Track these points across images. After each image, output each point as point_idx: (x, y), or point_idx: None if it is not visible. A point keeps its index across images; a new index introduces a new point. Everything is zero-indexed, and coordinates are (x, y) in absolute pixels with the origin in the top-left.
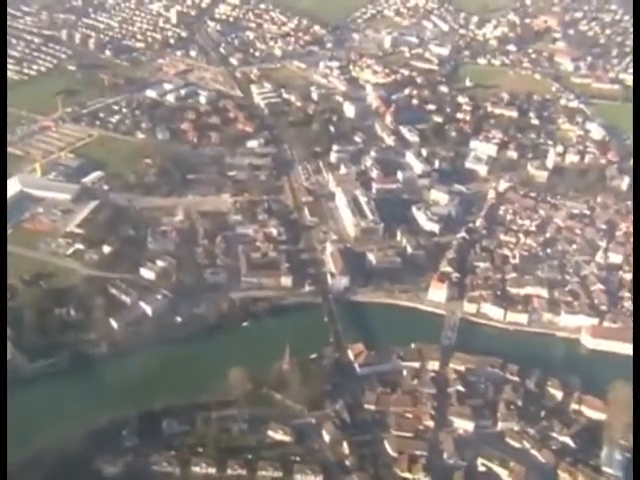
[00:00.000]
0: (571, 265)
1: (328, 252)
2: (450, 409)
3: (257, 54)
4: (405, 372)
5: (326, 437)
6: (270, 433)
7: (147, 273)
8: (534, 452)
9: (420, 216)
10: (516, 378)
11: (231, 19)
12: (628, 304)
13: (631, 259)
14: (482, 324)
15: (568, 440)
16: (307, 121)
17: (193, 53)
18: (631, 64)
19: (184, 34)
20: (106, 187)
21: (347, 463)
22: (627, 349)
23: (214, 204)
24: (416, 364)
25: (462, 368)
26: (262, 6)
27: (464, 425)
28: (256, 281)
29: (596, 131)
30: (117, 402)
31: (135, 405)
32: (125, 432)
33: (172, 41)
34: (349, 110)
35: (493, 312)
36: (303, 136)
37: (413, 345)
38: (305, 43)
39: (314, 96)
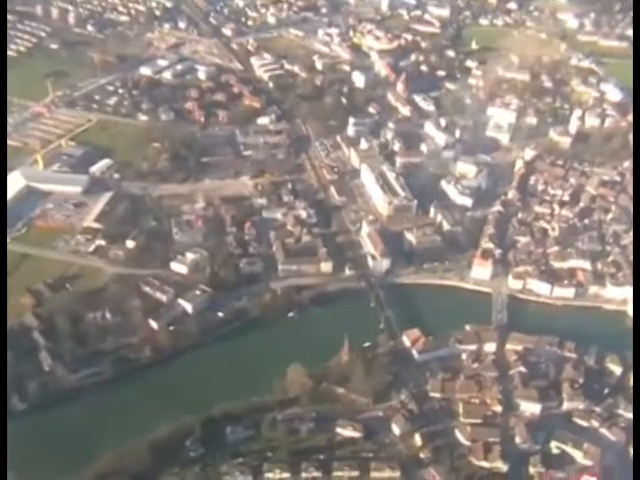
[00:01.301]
0: (610, 235)
1: (364, 233)
2: (516, 392)
3: (250, 23)
4: (464, 356)
5: (396, 430)
6: (339, 430)
7: (179, 267)
8: (603, 430)
9: (451, 190)
10: (574, 355)
11: None
12: None
13: None
14: (529, 300)
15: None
16: (317, 94)
17: (182, 25)
18: None
19: (169, 4)
20: (117, 176)
21: (422, 456)
22: None
23: (235, 188)
24: (473, 347)
25: (520, 348)
26: None
27: (531, 408)
28: (295, 268)
29: (612, 92)
30: (172, 410)
31: (193, 411)
32: (188, 442)
33: (157, 12)
34: (358, 80)
35: (539, 287)
36: (315, 110)
37: (468, 327)
38: (299, 9)
39: (318, 66)
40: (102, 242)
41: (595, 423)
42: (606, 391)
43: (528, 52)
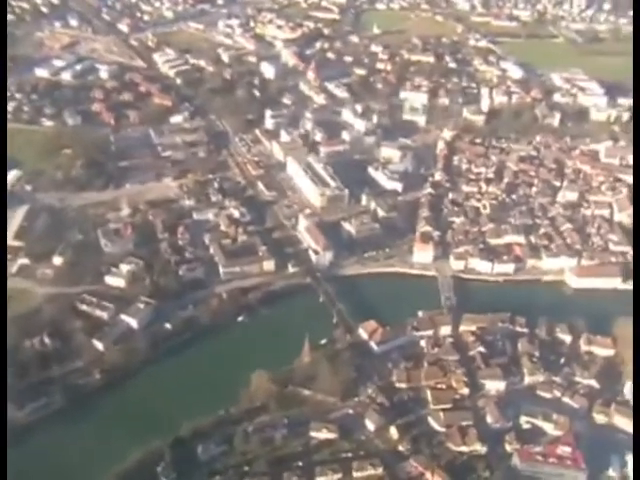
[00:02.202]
0: (537, 208)
1: (302, 227)
2: (479, 372)
3: (146, 18)
4: (423, 343)
5: (370, 426)
6: (313, 434)
7: (114, 280)
8: (566, 399)
9: (379, 176)
10: (526, 329)
11: None
12: (597, 239)
13: (587, 196)
14: (472, 280)
15: (592, 382)
16: (227, 87)
17: (74, 22)
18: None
19: (56, 1)
20: (29, 187)
21: (401, 448)
22: (610, 283)
23: (159, 191)
24: (430, 332)
25: (474, 328)
26: None
27: (495, 386)
28: (238, 270)
29: (513, 70)
30: (136, 435)
31: (158, 434)
32: (160, 468)
33: (44, 9)
34: (268, 71)
35: (480, 266)
36: (229, 104)
37: (421, 313)
38: (195, 1)
39: (225, 59)
40: (25, 261)
41: (557, 393)
42: (562, 361)
43: (427, 34)
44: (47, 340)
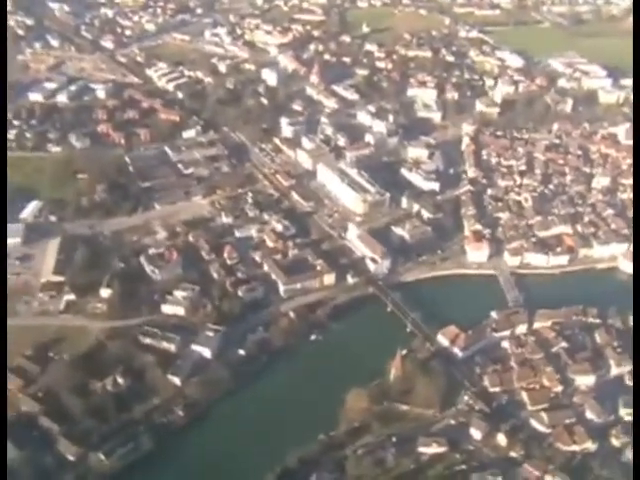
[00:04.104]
0: (576, 197)
1: (353, 236)
2: (568, 368)
3: (128, 33)
4: (505, 344)
5: (476, 434)
6: (422, 449)
7: (172, 309)
8: None
9: (414, 177)
10: (598, 320)
11: None
12: None
13: (620, 179)
14: (530, 274)
15: None
16: (233, 97)
17: (54, 42)
18: None
19: (29, 21)
20: (53, 218)
21: (513, 454)
22: None
23: (191, 210)
24: (507, 332)
25: (549, 324)
26: None
27: (585, 380)
28: (299, 286)
29: (511, 59)
30: (237, 470)
31: (261, 467)
32: None
33: (21, 32)
34: (270, 77)
35: (536, 260)
36: (239, 114)
37: (494, 313)
38: (173, 12)
39: (222, 69)
40: (71, 296)
41: None
42: None
43: (416, 29)
44: (120, 380)
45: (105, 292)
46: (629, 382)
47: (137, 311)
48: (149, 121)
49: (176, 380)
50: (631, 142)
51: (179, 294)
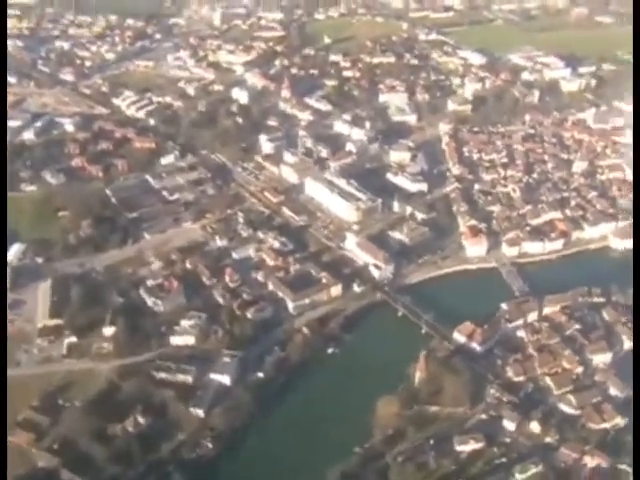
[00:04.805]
0: (560, 182)
1: (352, 244)
2: (586, 349)
3: (88, 63)
4: (520, 332)
5: (510, 426)
6: (459, 448)
7: (182, 339)
8: None
9: (401, 180)
10: (602, 299)
11: (26, 32)
12: (623, 201)
13: (596, 162)
14: (529, 262)
15: None
16: (207, 119)
17: (11, 79)
18: None
19: None
20: (40, 259)
21: (548, 440)
22: None
23: (183, 236)
24: (520, 321)
25: (558, 308)
26: (50, 10)
27: (603, 358)
28: (307, 301)
29: (473, 57)
30: None
31: None
32: None
33: None
34: (241, 96)
35: (533, 247)
36: (216, 136)
37: (504, 305)
38: (131, 39)
39: (190, 92)
40: (72, 339)
41: None
42: None
43: (376, 36)
44: (141, 419)
45: (108, 330)
46: None
47: (145, 346)
48: (124, 151)
49: (199, 412)
50: (601, 125)
51: (186, 323)
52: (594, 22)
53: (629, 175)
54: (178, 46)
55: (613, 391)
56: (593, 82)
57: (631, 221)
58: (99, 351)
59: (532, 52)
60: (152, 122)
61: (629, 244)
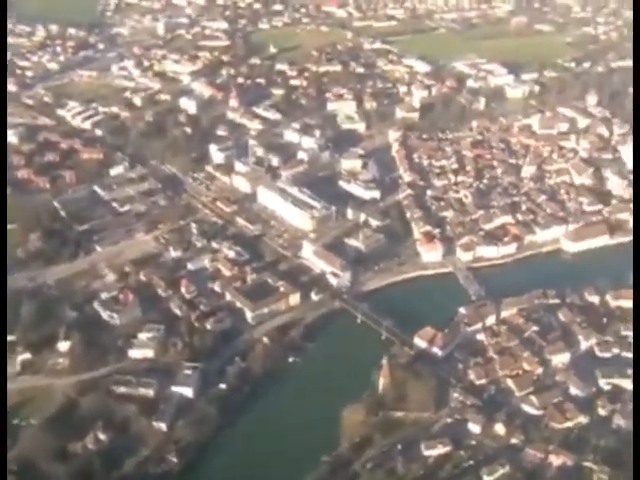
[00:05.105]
0: (510, 187)
1: (309, 253)
2: (545, 350)
3: (30, 74)
4: (480, 336)
5: (475, 429)
6: (427, 453)
7: (140, 352)
8: (625, 354)
9: (354, 188)
10: (558, 300)
11: None
12: (571, 204)
13: (544, 167)
14: (484, 266)
15: None
16: (155, 130)
17: None
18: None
19: None
20: None
21: (514, 441)
22: (600, 242)
23: (136, 248)
24: (479, 325)
25: (515, 311)
26: None
27: (561, 359)
28: (266, 311)
29: (419, 66)
30: None
31: None
32: None
33: None
34: (189, 106)
35: (487, 252)
36: (165, 147)
37: (462, 309)
38: (74, 49)
39: (137, 102)
40: (26, 355)
41: (615, 350)
42: (604, 320)
43: (322, 45)
44: (102, 436)
45: (63, 345)
46: (600, 353)
47: (103, 360)
48: (71, 162)
49: (162, 426)
50: (546, 131)
51: (144, 336)
52: (533, 30)
53: (576, 179)
54: (122, 56)
55: (574, 390)
56: (536, 88)
57: (582, 224)
58: (54, 367)
59: (475, 60)
60: (99, 133)
61: (580, 247)
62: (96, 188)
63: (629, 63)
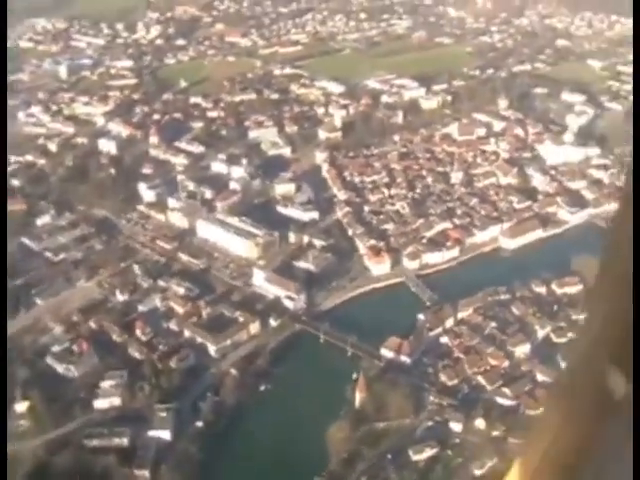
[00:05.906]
0: (443, 194)
1: (260, 280)
2: (507, 343)
3: None
4: (444, 339)
5: (457, 427)
6: (415, 457)
7: (106, 402)
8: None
9: (291, 211)
10: (509, 296)
11: None
12: (502, 204)
13: (470, 171)
14: (432, 272)
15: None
16: (77, 175)
17: None
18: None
19: None
20: None
21: (495, 434)
22: (535, 236)
23: (80, 296)
24: (440, 329)
25: (471, 310)
26: None
27: (523, 349)
28: (229, 343)
29: (331, 86)
30: None
31: None
32: None
33: None
34: (109, 147)
35: (433, 258)
36: (91, 190)
37: (421, 315)
38: None
39: (52, 148)
40: None
41: (571, 335)
42: (555, 308)
43: (232, 75)
44: None
45: (22, 406)
46: (557, 339)
47: (68, 415)
48: None
49: (145, 473)
50: (466, 137)
51: (107, 384)
52: (434, 43)
53: (502, 180)
54: (27, 102)
55: (540, 377)
56: (449, 98)
57: (515, 221)
58: (17, 430)
59: (386, 76)
60: (17, 183)
61: (517, 242)
62: (24, 240)
63: (528, 67)
